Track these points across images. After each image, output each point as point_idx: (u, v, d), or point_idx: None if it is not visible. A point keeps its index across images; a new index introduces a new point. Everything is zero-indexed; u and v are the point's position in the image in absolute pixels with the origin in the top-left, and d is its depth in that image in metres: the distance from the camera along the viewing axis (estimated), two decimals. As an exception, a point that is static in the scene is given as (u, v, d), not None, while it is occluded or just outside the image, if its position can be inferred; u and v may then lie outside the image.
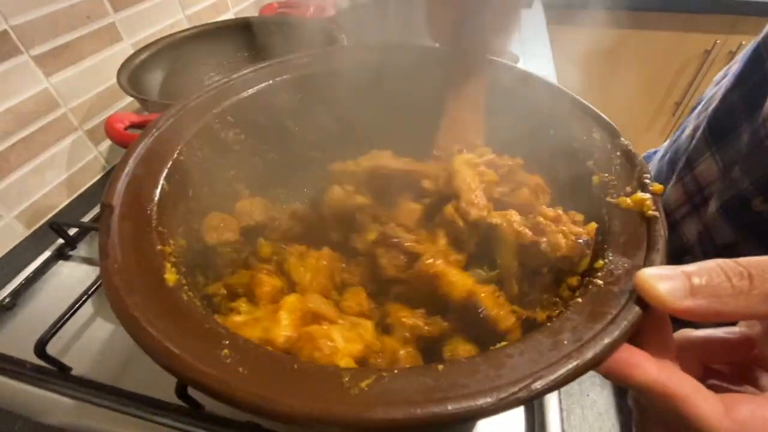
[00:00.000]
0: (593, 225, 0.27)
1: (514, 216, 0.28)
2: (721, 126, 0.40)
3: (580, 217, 0.29)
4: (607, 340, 0.19)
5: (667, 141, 0.53)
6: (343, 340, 0.24)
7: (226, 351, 0.19)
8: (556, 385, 0.17)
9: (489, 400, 0.16)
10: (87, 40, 0.63)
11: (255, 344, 0.19)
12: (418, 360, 0.28)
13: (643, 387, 0.18)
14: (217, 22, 0.78)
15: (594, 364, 0.18)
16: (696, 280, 0.18)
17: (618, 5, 1.35)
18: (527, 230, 0.27)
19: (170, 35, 0.71)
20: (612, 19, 1.37)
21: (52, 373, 0.41)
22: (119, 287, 0.21)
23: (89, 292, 0.45)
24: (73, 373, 0.41)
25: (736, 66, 0.42)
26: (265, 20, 0.78)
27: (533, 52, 0.99)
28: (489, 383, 0.17)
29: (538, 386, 0.17)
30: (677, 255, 0.45)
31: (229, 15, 0.94)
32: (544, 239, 0.26)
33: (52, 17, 0.57)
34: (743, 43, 1.35)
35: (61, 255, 0.55)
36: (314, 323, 0.26)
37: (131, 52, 0.67)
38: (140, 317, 0.20)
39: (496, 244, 0.29)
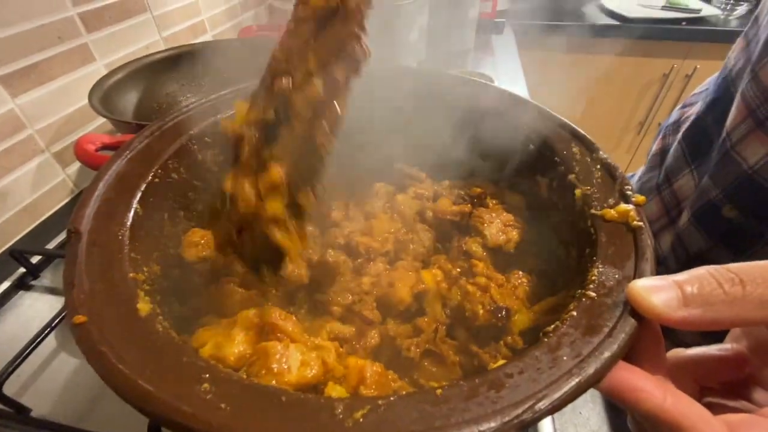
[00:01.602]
0: (522, 290, 0.32)
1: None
2: (698, 145, 0.43)
3: (524, 279, 0.33)
4: (607, 354, 0.18)
5: (642, 167, 0.56)
6: (297, 363, 0.23)
7: (206, 385, 0.17)
8: (561, 404, 0.16)
9: (493, 424, 0.16)
10: (57, 61, 0.61)
11: (239, 377, 0.18)
12: (386, 377, 0.26)
13: (650, 415, 0.17)
14: (195, 44, 0.77)
15: (596, 380, 0.17)
16: (688, 289, 0.18)
17: (583, 33, 1.44)
18: (458, 295, 0.32)
19: (146, 56, 0.70)
20: (578, 46, 1.46)
21: (9, 415, 0.37)
22: (85, 320, 0.19)
23: (52, 325, 0.41)
24: (33, 414, 0.38)
25: (705, 93, 0.45)
26: (245, 42, 0.78)
27: (506, 75, 1.03)
28: (491, 406, 0.16)
29: (542, 406, 0.16)
30: None
31: (207, 37, 0.93)
32: (468, 307, 0.30)
33: (20, 37, 0.55)
34: (697, 67, 1.45)
35: (21, 285, 0.51)
36: (273, 337, 0.25)
37: (104, 73, 0.65)
38: (109, 352, 0.18)
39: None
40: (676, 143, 0.46)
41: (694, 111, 0.46)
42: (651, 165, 0.51)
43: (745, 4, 1.39)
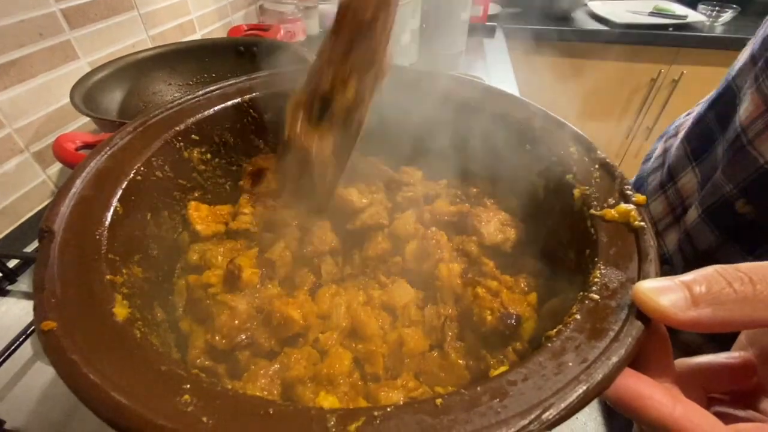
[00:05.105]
0: (534, 295, 0.30)
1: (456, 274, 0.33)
2: (700, 143, 0.43)
3: (532, 282, 0.32)
4: (614, 359, 0.17)
5: (639, 173, 0.57)
6: None
7: (186, 397, 0.16)
8: (568, 414, 0.15)
9: (497, 437, 0.15)
10: (38, 58, 0.59)
11: (222, 387, 0.16)
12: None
13: (658, 424, 0.17)
14: (182, 43, 0.75)
15: (604, 387, 0.17)
16: (696, 289, 0.17)
17: (572, 37, 1.46)
18: (469, 294, 0.30)
19: (131, 54, 0.68)
20: (567, 50, 1.47)
21: (-21, 429, 0.35)
22: (55, 326, 0.18)
23: (27, 332, 0.39)
24: (7, 427, 0.36)
25: (709, 95, 0.45)
26: (235, 42, 0.77)
27: (497, 78, 1.03)
28: (494, 417, 0.15)
29: (550, 416, 0.15)
30: None
31: (196, 36, 0.92)
32: (476, 311, 0.29)
33: (-3, 32, 0.53)
34: (684, 72, 1.48)
35: (-3, 290, 0.48)
36: None
37: (88, 70, 0.63)
38: (80, 361, 0.16)
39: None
40: (678, 143, 0.46)
41: (694, 113, 0.46)
42: (655, 166, 0.52)
43: (730, 11, 1.42)
